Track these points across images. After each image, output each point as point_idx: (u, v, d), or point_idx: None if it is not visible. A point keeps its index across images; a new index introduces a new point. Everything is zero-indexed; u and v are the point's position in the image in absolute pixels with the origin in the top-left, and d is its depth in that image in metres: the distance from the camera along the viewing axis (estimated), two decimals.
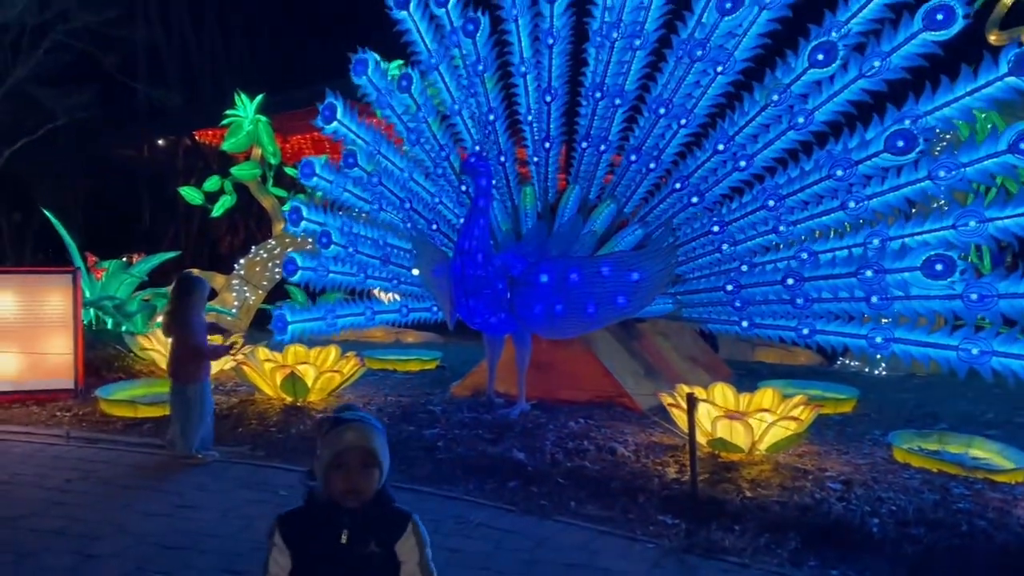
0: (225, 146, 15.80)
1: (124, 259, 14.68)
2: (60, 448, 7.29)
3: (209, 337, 7.20)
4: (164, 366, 7.45)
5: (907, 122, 6.95)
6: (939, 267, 6.73)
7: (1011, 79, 6.46)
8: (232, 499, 5.98)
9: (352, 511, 2.50)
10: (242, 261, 15.42)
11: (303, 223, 9.74)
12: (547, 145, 9.17)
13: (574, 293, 7.76)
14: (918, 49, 6.92)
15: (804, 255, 7.61)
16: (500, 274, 7.80)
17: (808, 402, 6.69)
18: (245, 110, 15.22)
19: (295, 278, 9.82)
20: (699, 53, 8.07)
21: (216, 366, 8.18)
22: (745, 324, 8.07)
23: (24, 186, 24.28)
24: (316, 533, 2.53)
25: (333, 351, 8.90)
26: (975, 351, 6.65)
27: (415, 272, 9.47)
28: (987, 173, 6.69)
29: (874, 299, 7.16)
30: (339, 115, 9.61)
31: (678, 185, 8.40)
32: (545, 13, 8.89)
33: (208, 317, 7.63)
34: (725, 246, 8.11)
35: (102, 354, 10.24)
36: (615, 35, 8.53)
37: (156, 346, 9.75)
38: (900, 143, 6.97)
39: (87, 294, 11.71)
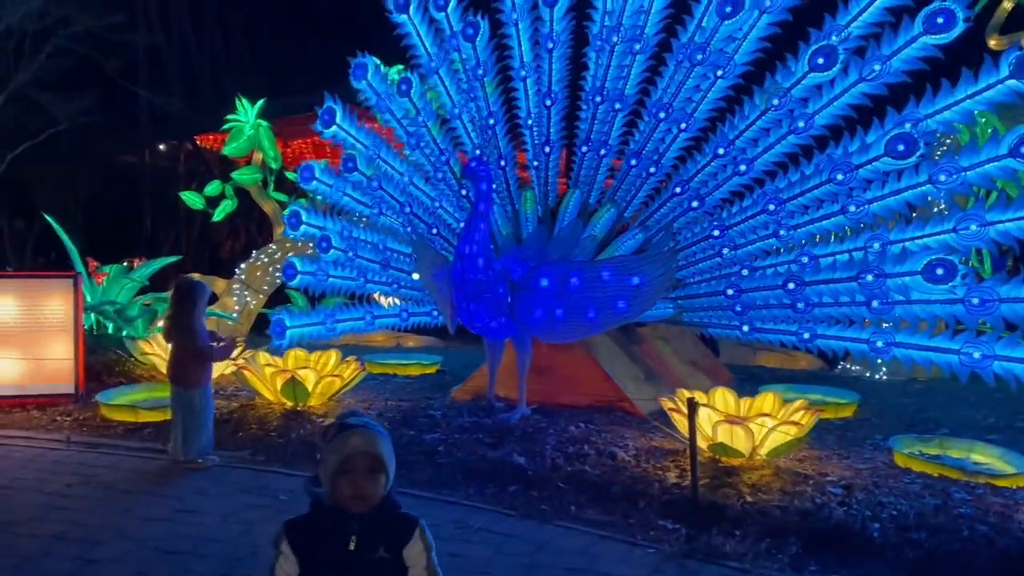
0: (226, 151, 15.80)
1: (125, 263, 14.68)
2: (61, 453, 7.29)
3: None
4: (165, 371, 7.43)
5: (908, 126, 6.95)
6: (940, 271, 6.71)
7: (1012, 82, 6.45)
8: (232, 504, 5.98)
9: (360, 517, 2.49)
10: (243, 265, 15.42)
11: (302, 227, 9.74)
12: (547, 149, 9.17)
13: (574, 297, 7.76)
14: (918, 53, 6.92)
15: (804, 259, 7.60)
16: (501, 278, 7.80)
17: (809, 407, 6.68)
18: (246, 115, 15.22)
19: (294, 282, 9.82)
20: (699, 57, 8.07)
21: (217, 370, 8.18)
22: (746, 328, 8.06)
23: (25, 190, 24.31)
24: (324, 540, 2.52)
25: (333, 355, 8.89)
26: (977, 355, 6.64)
27: (415, 276, 9.47)
28: (988, 177, 6.68)
29: (875, 303, 7.15)
30: (338, 119, 9.61)
31: (678, 189, 8.40)
32: (545, 17, 8.90)
33: (208, 322, 7.61)
34: (725, 250, 8.10)
35: (103, 359, 10.25)
36: (615, 39, 8.54)
37: (157, 351, 9.75)
38: (901, 147, 6.97)
39: (88, 298, 11.71)
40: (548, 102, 9.05)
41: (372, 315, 9.81)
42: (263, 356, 8.69)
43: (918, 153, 6.93)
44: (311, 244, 9.98)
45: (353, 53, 9.71)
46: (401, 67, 10.98)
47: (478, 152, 9.32)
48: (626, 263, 8.06)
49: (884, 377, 11.22)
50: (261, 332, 10.48)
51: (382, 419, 7.82)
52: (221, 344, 7.18)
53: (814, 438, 7.01)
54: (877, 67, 7.07)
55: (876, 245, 7.16)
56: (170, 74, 29.42)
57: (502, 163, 9.30)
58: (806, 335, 7.66)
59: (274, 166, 15.55)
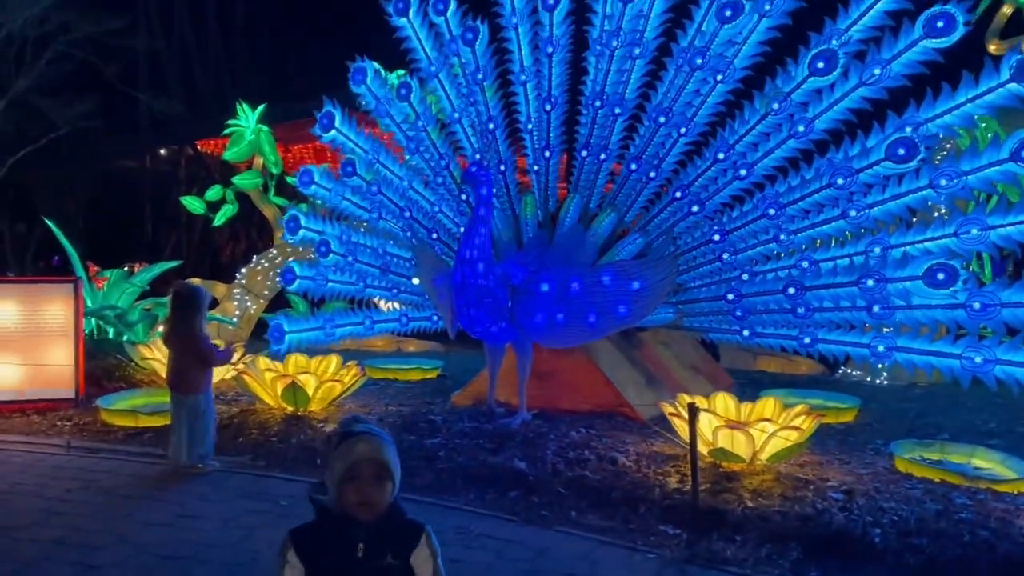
0: (227, 156, 15.81)
1: (126, 268, 14.70)
2: (61, 458, 7.30)
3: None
4: (165, 376, 7.42)
5: (908, 130, 6.94)
6: (941, 276, 6.70)
7: (1012, 85, 6.44)
8: (233, 509, 5.98)
9: (367, 524, 2.48)
10: (243, 270, 15.42)
11: (301, 232, 9.73)
12: (547, 154, 9.16)
13: (575, 302, 7.76)
14: (919, 56, 6.90)
15: (805, 264, 7.59)
16: (501, 283, 7.80)
17: (809, 412, 6.68)
18: (247, 120, 15.23)
19: (293, 287, 9.82)
20: (699, 61, 8.06)
21: (217, 375, 8.17)
22: (746, 333, 8.05)
23: (26, 195, 24.33)
24: (330, 547, 2.51)
25: (334, 360, 8.89)
26: (978, 359, 6.62)
27: (415, 281, 9.46)
28: (989, 181, 6.67)
29: (876, 308, 7.13)
30: (337, 123, 9.61)
31: (678, 194, 8.39)
32: (544, 22, 8.89)
33: (208, 327, 7.60)
34: (726, 255, 8.09)
35: (103, 364, 10.25)
36: (615, 44, 8.53)
37: (157, 355, 9.75)
38: (901, 151, 6.96)
39: (88, 303, 11.71)
40: (548, 106, 9.05)
41: (371, 320, 9.79)
42: (263, 361, 8.68)
43: (919, 157, 6.92)
44: (311, 248, 9.98)
45: (353, 57, 9.71)
46: (402, 72, 10.99)
47: (478, 157, 9.31)
48: (626, 268, 8.06)
49: (885, 382, 11.22)
50: (262, 337, 10.48)
51: (383, 424, 7.80)
52: (221, 349, 7.20)
53: (815, 443, 7.00)
54: (877, 71, 7.06)
55: (877, 249, 7.15)
56: (170, 79, 29.51)
57: (502, 168, 9.30)
58: (807, 340, 7.65)
59: (275, 171, 15.56)
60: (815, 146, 7.62)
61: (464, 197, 9.38)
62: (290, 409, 8.25)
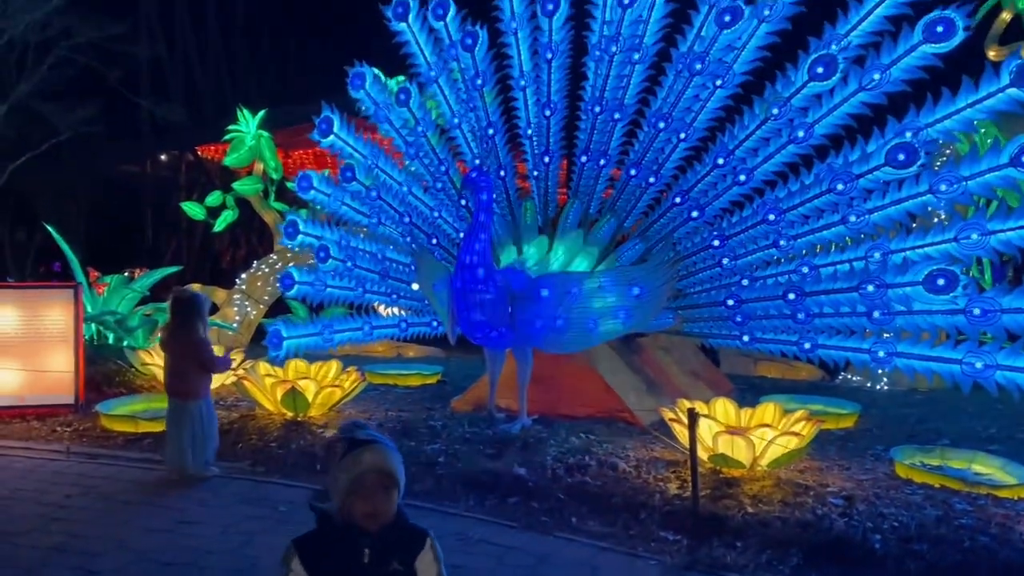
0: (227, 161, 15.82)
1: (126, 274, 14.70)
2: (60, 463, 7.29)
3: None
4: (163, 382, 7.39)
5: (908, 135, 6.95)
6: (941, 282, 6.71)
7: (1012, 90, 6.45)
8: (232, 515, 5.97)
9: (371, 531, 2.47)
10: (244, 276, 15.42)
11: (299, 237, 9.74)
12: (547, 159, 9.17)
13: (575, 308, 7.75)
14: (918, 61, 6.92)
15: (805, 269, 7.59)
16: (501, 289, 7.80)
17: (810, 417, 6.66)
18: (247, 125, 15.24)
19: (292, 293, 9.82)
20: (698, 67, 8.08)
21: (217, 381, 8.17)
22: (746, 338, 8.05)
23: (27, 201, 24.34)
24: (335, 555, 2.49)
25: (334, 366, 8.88)
26: (979, 365, 6.62)
27: (415, 287, 9.46)
28: (989, 186, 6.67)
29: (876, 314, 7.13)
30: (336, 128, 9.63)
31: (678, 199, 8.39)
32: (544, 27, 8.91)
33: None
34: (725, 260, 8.09)
35: (103, 369, 10.24)
36: (614, 49, 8.55)
37: (157, 361, 9.72)
38: (901, 156, 6.96)
39: (88, 309, 11.71)
40: (548, 112, 9.06)
41: (370, 325, 9.79)
42: (263, 366, 8.68)
43: (919, 163, 6.93)
44: (311, 254, 9.98)
45: (352, 63, 9.72)
46: (402, 78, 11.00)
47: (478, 162, 9.32)
48: (626, 273, 8.06)
49: (885, 388, 11.20)
50: (262, 342, 10.48)
51: (382, 430, 7.79)
52: (220, 357, 7.19)
53: (815, 449, 6.99)
54: (877, 76, 7.07)
55: (877, 255, 7.15)
56: (172, 84, 29.54)
57: (502, 173, 9.31)
58: (807, 345, 7.65)
59: (275, 176, 15.57)
60: (815, 151, 7.64)
61: (464, 202, 9.39)
62: (290, 415, 8.24)
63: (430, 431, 7.70)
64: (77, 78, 19.84)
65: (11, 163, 19.37)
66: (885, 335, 7.28)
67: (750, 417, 6.94)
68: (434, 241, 9.58)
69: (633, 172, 8.66)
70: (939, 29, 6.75)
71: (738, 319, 8.04)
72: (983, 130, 10.52)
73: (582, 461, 6.69)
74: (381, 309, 10.92)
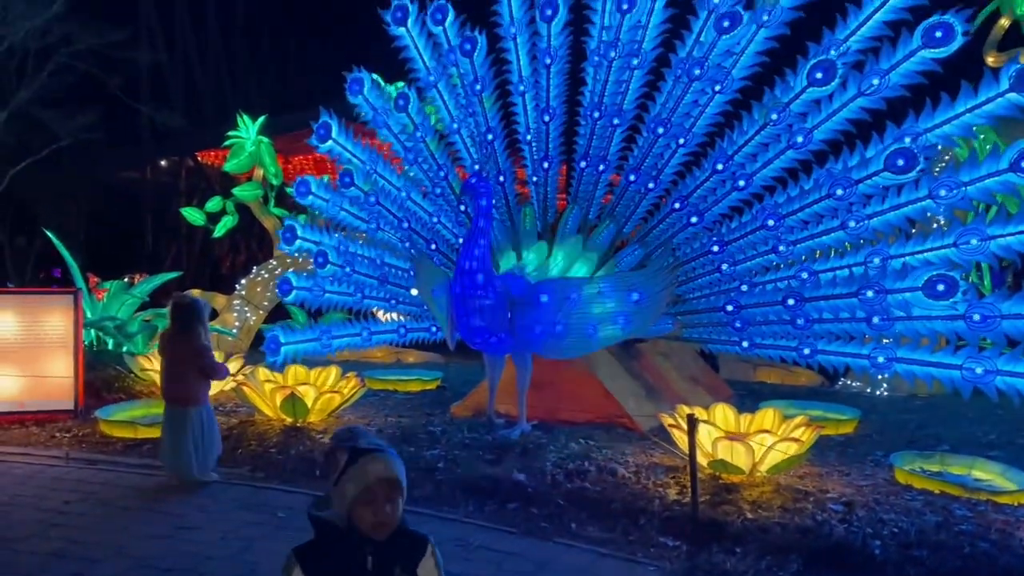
0: (227, 167, 15.83)
1: (126, 279, 14.71)
2: (59, 469, 7.29)
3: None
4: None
5: (907, 140, 6.95)
6: (941, 287, 6.70)
7: (1012, 95, 6.46)
8: (232, 521, 5.97)
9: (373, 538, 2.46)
10: (243, 281, 15.42)
11: (297, 242, 9.74)
12: (546, 165, 9.17)
13: (574, 313, 7.75)
14: (917, 67, 6.92)
15: (804, 275, 7.58)
16: (501, 294, 7.79)
17: (809, 423, 6.66)
18: (247, 131, 15.26)
19: (290, 298, 9.82)
20: (697, 72, 8.08)
21: (216, 387, 8.16)
22: (745, 344, 8.05)
23: (27, 207, 24.35)
24: (337, 564, 2.47)
25: (333, 371, 8.87)
26: (979, 370, 6.62)
27: (414, 292, 9.46)
28: (988, 192, 6.68)
29: (876, 319, 7.13)
30: (334, 134, 9.63)
31: (677, 205, 8.39)
32: (543, 32, 8.91)
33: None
34: (725, 266, 8.09)
35: (102, 375, 10.24)
36: (613, 54, 8.55)
37: (156, 366, 9.71)
38: (900, 162, 6.96)
39: (88, 314, 11.71)
40: (547, 117, 9.07)
41: (369, 331, 9.77)
42: (262, 372, 8.67)
43: (918, 168, 6.93)
44: (311, 259, 9.98)
45: (350, 68, 9.74)
46: (401, 84, 11.02)
47: (477, 168, 9.33)
48: (625, 279, 8.06)
49: (885, 393, 11.20)
50: (261, 348, 10.47)
51: (382, 435, 7.80)
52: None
53: (815, 454, 6.98)
54: (876, 81, 7.08)
55: (876, 260, 7.15)
56: (172, 90, 29.58)
57: (501, 179, 9.31)
58: (806, 351, 7.65)
59: (275, 182, 15.58)
60: (814, 157, 7.64)
61: (463, 208, 9.39)
62: (289, 421, 8.24)
63: (429, 437, 7.70)
64: (77, 84, 19.86)
65: (11, 169, 19.37)
66: (885, 340, 7.28)
67: (749, 423, 6.94)
68: (433, 247, 9.58)
69: (632, 178, 8.66)
70: (938, 34, 6.76)
71: (737, 324, 8.03)
72: (982, 136, 10.52)
73: (581, 467, 6.69)
74: (380, 315, 10.91)
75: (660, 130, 8.40)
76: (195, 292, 14.99)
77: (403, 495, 2.48)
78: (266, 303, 15.08)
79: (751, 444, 6.27)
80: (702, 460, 6.37)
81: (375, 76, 9.83)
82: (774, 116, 7.68)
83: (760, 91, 7.87)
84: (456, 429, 7.91)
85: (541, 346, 7.96)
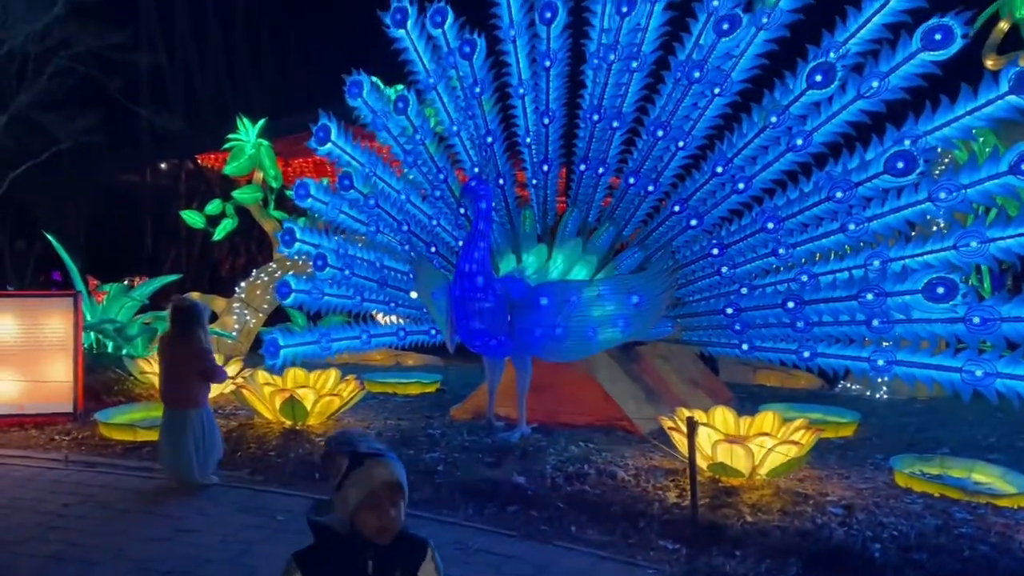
0: (227, 170, 15.83)
1: (125, 282, 14.69)
2: (58, 472, 7.28)
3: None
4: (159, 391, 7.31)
5: (907, 143, 6.95)
6: (941, 290, 6.70)
7: (1012, 97, 6.46)
8: (231, 524, 5.96)
9: (375, 543, 2.45)
10: (243, 284, 15.42)
11: (296, 244, 9.74)
12: (545, 168, 9.17)
13: (574, 316, 7.75)
14: (917, 69, 6.93)
15: (804, 278, 7.58)
16: (500, 297, 7.80)
17: (809, 426, 6.66)
18: (247, 134, 15.26)
19: (289, 301, 9.82)
20: (697, 75, 8.08)
21: (215, 390, 8.15)
22: (745, 347, 8.04)
23: (27, 210, 24.35)
24: (338, 569, 2.45)
25: (333, 374, 8.87)
26: (979, 373, 6.62)
27: (413, 295, 9.46)
28: (988, 194, 6.68)
29: (875, 322, 7.13)
30: (333, 136, 9.64)
31: (677, 208, 8.39)
32: (542, 35, 8.92)
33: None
34: (724, 269, 8.09)
35: (102, 378, 10.23)
36: (612, 57, 8.56)
37: (156, 369, 9.70)
38: (900, 164, 6.97)
39: (88, 317, 11.70)
40: (546, 120, 9.07)
41: (368, 334, 9.77)
42: (262, 375, 8.67)
43: (918, 171, 6.93)
44: (311, 262, 9.98)
45: (350, 71, 9.75)
46: (401, 87, 11.02)
47: (477, 170, 9.33)
48: (625, 282, 8.06)
49: (885, 396, 11.19)
50: (260, 351, 10.47)
51: (381, 438, 7.79)
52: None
53: (814, 457, 6.98)
54: (875, 84, 7.08)
55: (876, 263, 7.15)
56: (172, 93, 29.58)
57: (501, 181, 9.31)
58: (806, 353, 7.64)
59: (275, 185, 15.58)
60: (814, 159, 7.64)
61: (463, 211, 9.39)
62: (288, 423, 8.23)
63: (429, 440, 7.69)
64: (77, 87, 19.87)
65: (11, 172, 19.38)
66: (884, 343, 7.28)
67: (749, 426, 6.93)
68: (433, 249, 9.58)
69: (632, 180, 8.66)
70: (937, 37, 6.77)
71: (737, 327, 8.03)
72: (981, 139, 10.52)
73: (581, 470, 6.68)
74: (379, 317, 10.91)
75: (660, 133, 8.40)
76: (194, 295, 14.97)
77: (405, 499, 2.47)
78: (265, 306, 15.07)
79: (751, 447, 6.27)
80: (702, 463, 6.36)
81: (374, 79, 9.84)
82: (773, 119, 7.69)
83: (759, 94, 7.87)
84: (456, 432, 7.91)
85: (541, 349, 7.96)
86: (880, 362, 7.19)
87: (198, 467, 6.74)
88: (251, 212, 15.99)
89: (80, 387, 9.17)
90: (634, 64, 8.49)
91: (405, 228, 9.56)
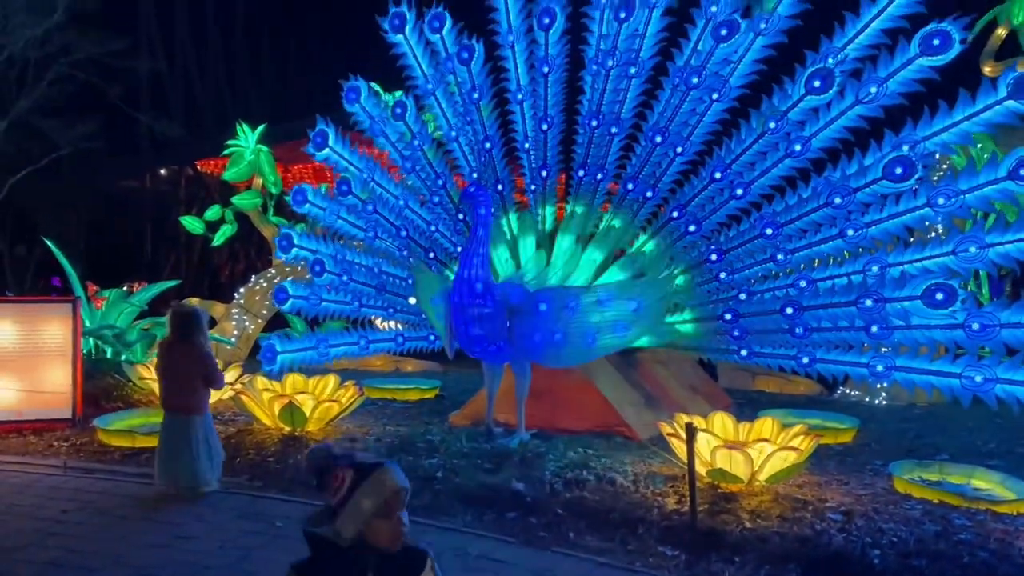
0: (226, 176, 15.84)
1: (125, 288, 14.68)
2: (57, 478, 7.28)
3: None
4: (160, 397, 7.27)
5: (905, 148, 6.95)
6: (940, 296, 6.69)
7: (1010, 103, 6.46)
8: (230, 530, 5.96)
9: (377, 552, 2.45)
10: (242, 290, 15.41)
11: (294, 250, 9.74)
12: (544, 173, 9.17)
13: (573, 322, 7.75)
14: (915, 75, 6.92)
15: (803, 283, 7.57)
16: (499, 303, 7.79)
17: (808, 432, 6.65)
18: (247, 140, 15.27)
19: (286, 307, 9.81)
20: (695, 80, 8.08)
21: (214, 396, 8.14)
22: (744, 352, 8.03)
23: (27, 215, 24.35)
24: None
25: (332, 380, 8.86)
26: (979, 379, 6.60)
27: (412, 301, 9.46)
28: (987, 200, 6.68)
29: (874, 328, 7.12)
30: (331, 142, 9.64)
31: (675, 213, 8.39)
32: (540, 41, 8.91)
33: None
34: (723, 274, 8.09)
35: (101, 383, 10.23)
36: (610, 63, 8.56)
37: (155, 375, 9.70)
38: (898, 170, 6.96)
39: (87, 323, 11.70)
40: (545, 126, 9.06)
41: (367, 340, 9.77)
42: (261, 381, 8.66)
43: (916, 176, 6.93)
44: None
45: (347, 76, 9.75)
46: (400, 94, 11.03)
47: (475, 176, 9.34)
48: (624, 288, 8.05)
49: (884, 402, 11.18)
50: (258, 357, 10.47)
51: (380, 445, 7.81)
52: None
53: (813, 463, 6.97)
54: (874, 89, 7.08)
55: (875, 269, 7.14)
56: (171, 100, 29.61)
57: (499, 187, 9.31)
58: (805, 359, 7.63)
59: (274, 191, 15.58)
60: (812, 165, 7.63)
61: (462, 216, 9.39)
62: (287, 429, 8.23)
63: (428, 446, 7.69)
64: (77, 94, 19.89)
65: (11, 178, 19.39)
66: (883, 349, 7.27)
67: (748, 431, 6.92)
68: (431, 255, 9.58)
69: (630, 186, 8.66)
70: (936, 42, 6.76)
71: (736, 333, 8.02)
72: (980, 144, 10.53)
73: (580, 476, 6.68)
74: (378, 323, 10.90)
75: (658, 139, 8.40)
76: (194, 301, 14.99)
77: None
78: (264, 312, 15.06)
79: (750, 453, 6.27)
80: (701, 469, 6.36)
81: (373, 84, 9.84)
82: (772, 124, 7.68)
83: (758, 99, 7.87)
84: (455, 438, 7.90)
85: (540, 355, 7.95)
86: (879, 368, 7.18)
87: (200, 472, 6.72)
88: (250, 218, 15.99)
89: (79, 393, 9.17)
90: (632, 70, 8.49)
91: (404, 234, 9.56)
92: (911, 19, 6.99)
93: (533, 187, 9.25)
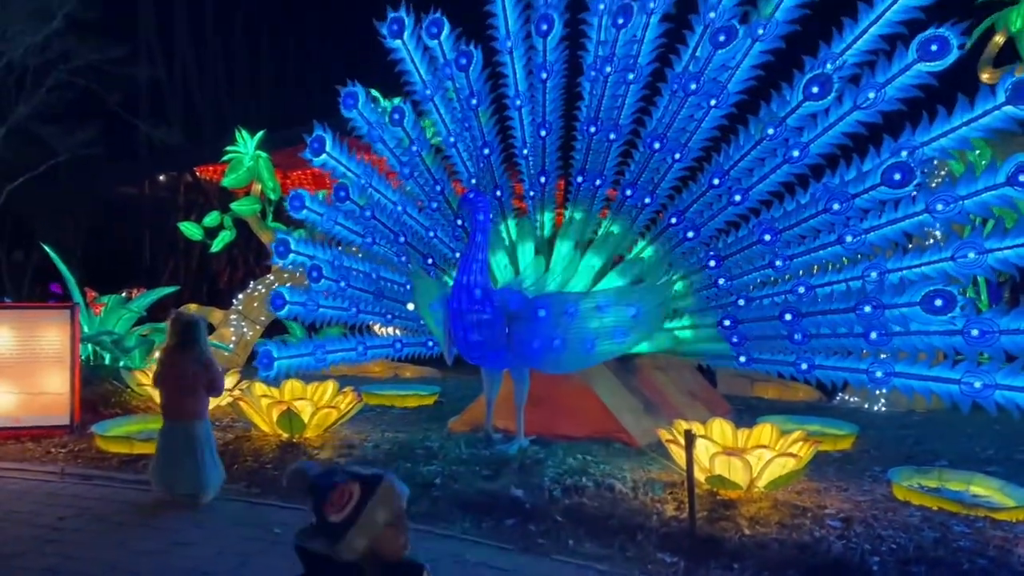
0: (225, 182, 15.87)
1: (123, 294, 14.68)
2: (54, 485, 7.26)
3: None
4: (161, 404, 7.22)
5: (904, 154, 6.96)
6: (939, 302, 6.69)
7: (1009, 108, 6.47)
8: (227, 536, 5.94)
9: (373, 566, 2.44)
10: (240, 296, 15.43)
11: (291, 256, 9.73)
12: (543, 179, 9.17)
13: (572, 328, 7.74)
14: (913, 80, 6.93)
15: (801, 289, 7.57)
16: (498, 309, 7.78)
17: (807, 438, 6.64)
18: (245, 146, 15.29)
19: (283, 313, 9.80)
20: (693, 86, 8.09)
21: (212, 402, 8.12)
22: (743, 359, 8.03)
23: (25, 221, 24.37)
24: None
25: (330, 386, 8.85)
26: (978, 384, 6.60)
27: (410, 307, 9.45)
28: (985, 206, 6.68)
29: (873, 334, 7.11)
30: (328, 147, 9.64)
31: (673, 220, 8.39)
32: (538, 47, 8.93)
33: None
34: (721, 281, 8.08)
35: (99, 390, 10.21)
36: (609, 69, 8.57)
37: (151, 382, 9.69)
38: (897, 176, 6.97)
39: (85, 329, 11.69)
40: (543, 132, 9.07)
41: (364, 346, 9.75)
42: (259, 387, 8.64)
43: (915, 182, 6.93)
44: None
45: (345, 82, 9.76)
46: (398, 100, 11.04)
47: (474, 182, 9.34)
48: (623, 294, 8.05)
49: (883, 409, 11.18)
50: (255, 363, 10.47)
51: (378, 451, 7.79)
52: None
53: (812, 470, 6.96)
54: (872, 95, 7.09)
55: (874, 275, 7.14)
56: (170, 106, 29.65)
57: (498, 193, 9.31)
58: (804, 366, 7.63)
59: (273, 197, 15.61)
60: (810, 171, 7.64)
61: (460, 222, 9.39)
62: (285, 436, 8.21)
63: (427, 452, 7.66)
64: (76, 100, 19.93)
65: (9, 184, 19.40)
66: (882, 355, 7.26)
67: (747, 438, 6.91)
68: (429, 261, 9.57)
69: (629, 192, 8.66)
70: (933, 48, 6.77)
71: (735, 339, 8.02)
72: (978, 151, 10.54)
73: (579, 482, 6.66)
74: (377, 328, 10.89)
75: (656, 145, 8.40)
76: (192, 307, 15.01)
77: None
78: (263, 318, 15.07)
79: (749, 459, 6.25)
80: (700, 475, 6.34)
81: (372, 90, 9.84)
82: (770, 130, 7.69)
83: (756, 105, 7.88)
84: (453, 444, 7.88)
85: (539, 361, 7.94)
86: (878, 374, 7.18)
87: (205, 478, 6.67)
88: (249, 224, 16.01)
89: (77, 399, 9.15)
90: (631, 76, 8.50)
91: (402, 240, 9.56)
92: (909, 25, 7.00)
93: (532, 193, 9.25)
